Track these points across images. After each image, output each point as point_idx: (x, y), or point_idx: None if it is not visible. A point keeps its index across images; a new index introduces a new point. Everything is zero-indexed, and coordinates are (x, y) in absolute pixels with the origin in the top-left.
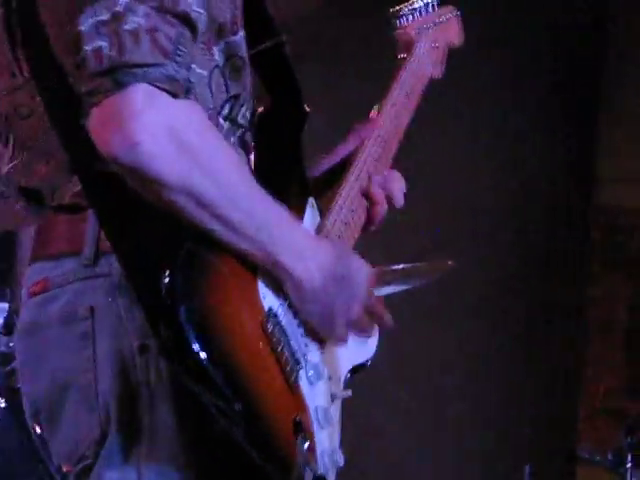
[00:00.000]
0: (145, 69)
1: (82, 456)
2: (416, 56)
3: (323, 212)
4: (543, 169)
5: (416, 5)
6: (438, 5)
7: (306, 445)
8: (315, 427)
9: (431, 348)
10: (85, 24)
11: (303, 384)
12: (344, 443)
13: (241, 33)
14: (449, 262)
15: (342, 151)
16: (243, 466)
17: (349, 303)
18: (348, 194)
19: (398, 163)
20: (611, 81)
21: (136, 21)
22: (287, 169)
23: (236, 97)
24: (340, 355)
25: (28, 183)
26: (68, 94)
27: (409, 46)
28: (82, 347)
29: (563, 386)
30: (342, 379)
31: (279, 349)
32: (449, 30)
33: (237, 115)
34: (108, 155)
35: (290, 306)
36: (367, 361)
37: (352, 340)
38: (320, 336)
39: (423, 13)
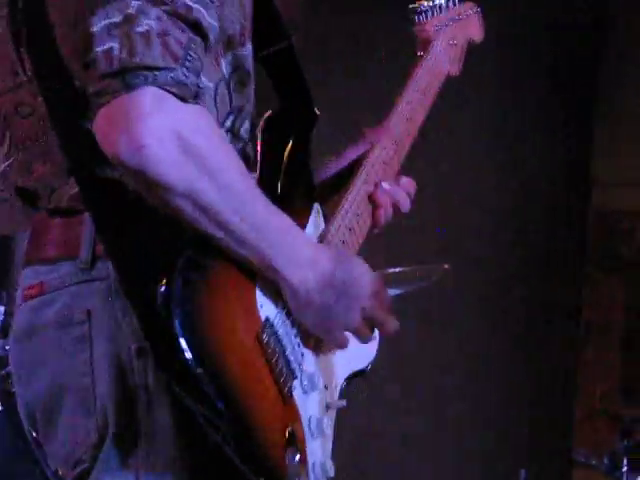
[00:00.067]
0: (155, 72)
1: (79, 460)
2: (433, 54)
3: (328, 217)
4: (543, 169)
5: (436, 1)
6: (459, 1)
7: (297, 457)
8: (308, 437)
9: (431, 348)
10: (97, 26)
11: (297, 394)
12: (344, 444)
13: (248, 45)
14: (445, 266)
15: (351, 154)
16: (238, 473)
17: (348, 308)
18: (354, 198)
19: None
20: (611, 81)
21: (148, 24)
22: (293, 173)
23: (239, 110)
24: (337, 363)
25: (25, 183)
26: (71, 96)
27: (427, 43)
28: (79, 350)
29: (562, 387)
30: (338, 388)
31: (274, 360)
32: (469, 27)
33: (240, 128)
34: (113, 156)
35: (288, 314)
36: (367, 366)
37: (351, 346)
38: (318, 342)
39: (443, 10)
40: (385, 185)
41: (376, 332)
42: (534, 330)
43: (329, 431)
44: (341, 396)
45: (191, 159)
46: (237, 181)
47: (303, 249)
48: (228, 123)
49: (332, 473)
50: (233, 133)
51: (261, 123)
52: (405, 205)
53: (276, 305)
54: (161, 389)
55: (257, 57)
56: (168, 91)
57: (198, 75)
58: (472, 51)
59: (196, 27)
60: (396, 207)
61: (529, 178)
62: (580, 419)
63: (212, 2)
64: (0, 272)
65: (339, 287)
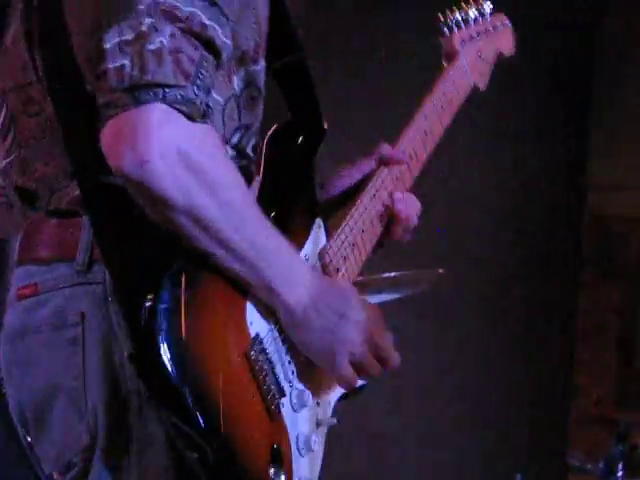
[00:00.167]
0: (166, 90)
1: (70, 462)
2: (457, 67)
3: (331, 232)
4: (543, 169)
5: (469, 14)
6: (489, 14)
7: (282, 477)
8: (295, 455)
9: (430, 348)
10: (109, 42)
11: (285, 411)
12: (342, 444)
13: (262, 62)
14: (440, 270)
15: (364, 166)
16: None
17: (351, 336)
18: (360, 214)
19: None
20: (611, 81)
21: (160, 41)
22: (296, 188)
23: (247, 127)
24: (331, 380)
25: (25, 183)
26: (81, 101)
27: (453, 55)
28: (72, 353)
29: (562, 388)
30: (331, 405)
31: (261, 376)
32: (499, 40)
33: (246, 145)
34: (116, 168)
35: (280, 332)
36: (364, 385)
37: None
38: (312, 362)
39: (472, 22)
40: (398, 194)
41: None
42: (533, 330)
43: (318, 448)
44: (334, 413)
45: (193, 176)
46: (238, 200)
47: (298, 268)
48: (235, 139)
49: None
50: (239, 150)
51: (267, 137)
52: (413, 221)
53: (267, 322)
54: None
55: (270, 69)
56: (177, 109)
57: (208, 93)
58: None
59: (209, 45)
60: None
61: (529, 178)
62: (575, 423)
63: (228, 20)
64: None
65: (335, 307)
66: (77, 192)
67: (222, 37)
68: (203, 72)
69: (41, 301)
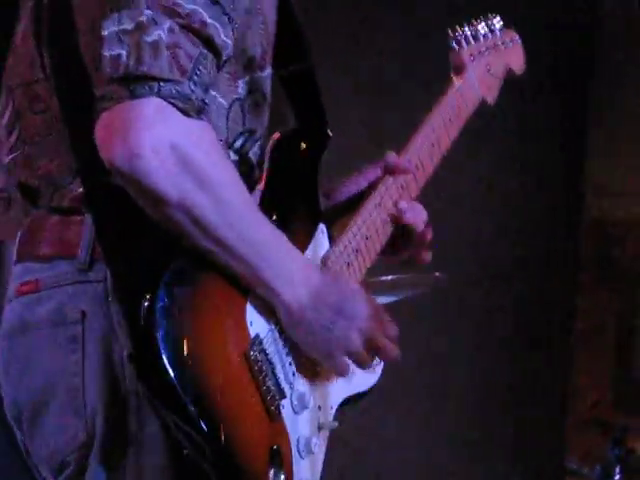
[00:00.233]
0: (161, 84)
1: (63, 462)
2: (465, 80)
3: (334, 238)
4: (543, 170)
5: (479, 30)
6: (500, 30)
7: (282, 477)
8: (295, 457)
9: (427, 348)
10: (108, 30)
11: (286, 413)
12: (340, 445)
13: (268, 70)
14: (437, 274)
15: (370, 174)
16: None
17: (347, 329)
18: (364, 221)
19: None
20: (611, 81)
21: (158, 34)
22: (300, 193)
23: (251, 132)
24: (335, 384)
25: (28, 180)
26: (87, 100)
27: (461, 70)
28: (71, 350)
29: (559, 390)
30: (333, 409)
31: (260, 377)
32: (509, 56)
33: (249, 150)
34: (108, 161)
35: (281, 332)
36: (368, 390)
37: (352, 367)
38: (314, 365)
39: (481, 37)
40: (403, 204)
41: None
42: (531, 333)
43: (319, 451)
44: (335, 417)
45: (187, 172)
46: (234, 196)
47: (297, 267)
48: (238, 144)
49: None
50: (241, 154)
51: (270, 143)
52: (420, 228)
53: (268, 322)
54: None
55: (277, 75)
56: (172, 104)
57: (206, 90)
58: None
59: (208, 43)
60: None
61: (529, 178)
62: (571, 428)
63: (230, 20)
64: None
65: (334, 305)
66: (80, 190)
67: (223, 36)
68: (201, 69)
69: (41, 298)
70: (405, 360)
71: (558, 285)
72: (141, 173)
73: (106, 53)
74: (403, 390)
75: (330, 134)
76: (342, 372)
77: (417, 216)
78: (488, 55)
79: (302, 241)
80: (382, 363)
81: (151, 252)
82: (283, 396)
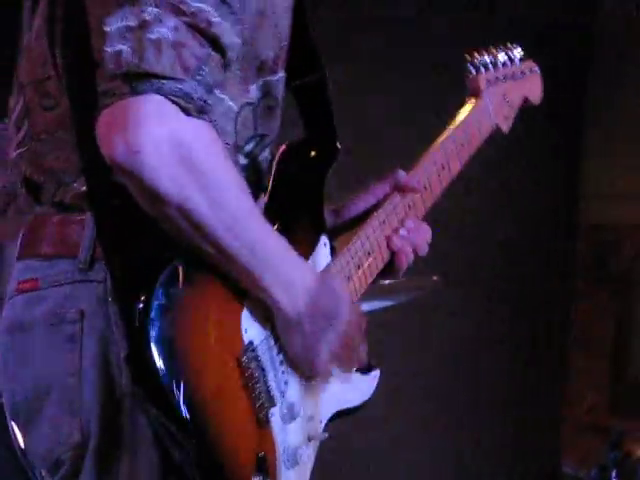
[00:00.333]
0: (163, 81)
1: (58, 460)
2: (480, 107)
3: (337, 253)
4: (542, 170)
5: (498, 58)
6: (519, 60)
7: None
8: (281, 466)
9: (425, 350)
10: (112, 26)
11: (275, 421)
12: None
13: (280, 74)
14: (434, 278)
15: (378, 191)
16: None
17: (332, 337)
18: (367, 237)
19: (395, 164)
20: (610, 81)
21: (162, 32)
22: (304, 204)
23: (262, 137)
24: (327, 397)
25: (33, 175)
26: (97, 100)
27: (476, 95)
28: (68, 350)
29: (556, 395)
30: (324, 421)
31: (251, 384)
32: (527, 86)
33: (259, 154)
34: (108, 156)
35: (276, 340)
36: (360, 405)
37: (343, 382)
38: (302, 372)
39: (500, 65)
40: (403, 232)
41: (376, 371)
42: (527, 337)
43: (307, 461)
44: (325, 429)
45: (185, 171)
46: (233, 198)
47: (294, 271)
48: (249, 147)
49: None
50: (252, 158)
51: (279, 153)
52: (423, 249)
53: (263, 329)
54: None
55: (289, 86)
56: (173, 102)
57: (210, 91)
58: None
59: (214, 42)
60: (415, 251)
61: (525, 179)
62: (567, 431)
63: (239, 21)
64: None
65: (327, 314)
66: (83, 188)
67: (230, 36)
68: (205, 68)
69: (41, 296)
70: (404, 361)
71: (556, 287)
72: (141, 169)
73: (109, 49)
74: (402, 391)
75: (339, 147)
76: (323, 373)
77: (419, 236)
78: (505, 83)
79: (304, 251)
80: (376, 380)
81: (150, 252)
82: (273, 404)
